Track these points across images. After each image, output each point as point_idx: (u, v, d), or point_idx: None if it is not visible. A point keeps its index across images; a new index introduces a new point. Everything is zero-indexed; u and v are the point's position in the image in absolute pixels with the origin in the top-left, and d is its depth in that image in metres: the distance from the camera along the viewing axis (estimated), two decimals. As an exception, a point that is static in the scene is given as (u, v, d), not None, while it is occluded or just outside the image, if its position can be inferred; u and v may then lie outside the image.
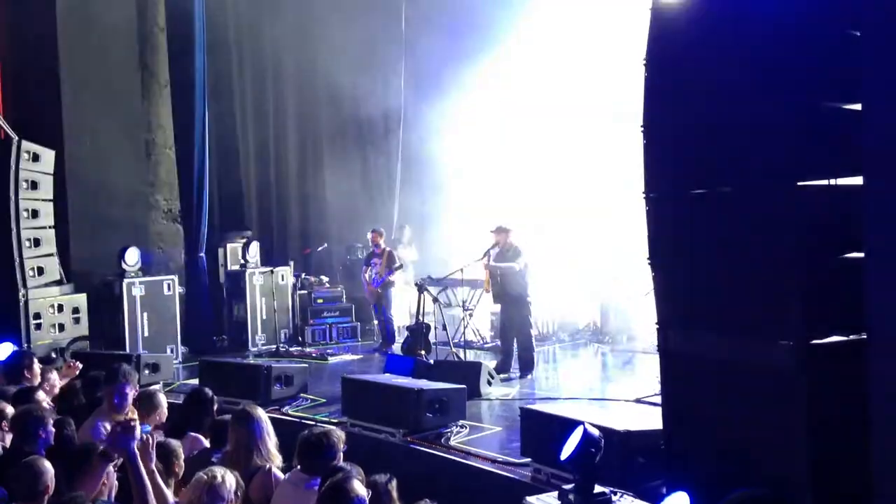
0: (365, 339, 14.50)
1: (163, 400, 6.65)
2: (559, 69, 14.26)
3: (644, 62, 5.48)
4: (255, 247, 14.07)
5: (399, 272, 13.52)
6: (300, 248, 16.49)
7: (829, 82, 4.77)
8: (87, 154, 13.69)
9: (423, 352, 11.26)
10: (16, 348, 9.56)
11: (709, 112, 5.14)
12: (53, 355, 11.48)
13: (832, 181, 4.79)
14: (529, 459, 7.04)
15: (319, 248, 16.19)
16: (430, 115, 14.95)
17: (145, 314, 12.53)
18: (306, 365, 11.05)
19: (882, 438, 4.07)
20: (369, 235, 13.89)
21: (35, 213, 12.04)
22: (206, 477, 4.51)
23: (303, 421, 9.04)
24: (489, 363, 10.91)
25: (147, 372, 10.44)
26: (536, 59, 14.46)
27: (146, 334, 12.50)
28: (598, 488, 5.04)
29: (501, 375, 10.75)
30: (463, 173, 15.01)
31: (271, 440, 5.70)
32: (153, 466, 4.80)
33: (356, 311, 14.72)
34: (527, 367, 11.07)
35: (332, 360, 12.86)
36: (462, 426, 8.48)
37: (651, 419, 6.46)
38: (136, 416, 6.10)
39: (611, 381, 11.06)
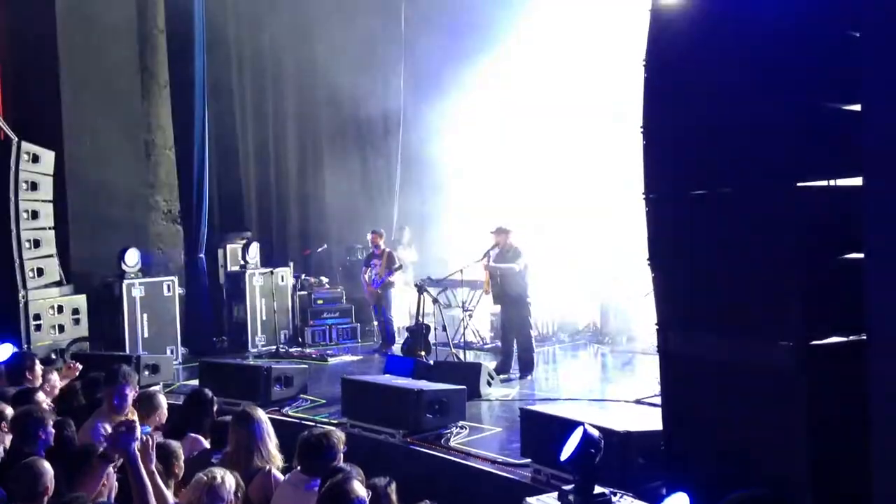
0: (365, 339, 14.50)
1: (163, 401, 6.65)
2: (559, 69, 14.26)
3: (643, 63, 5.47)
4: (254, 248, 14.07)
5: (399, 273, 13.53)
6: (300, 249, 16.50)
7: (828, 83, 4.77)
8: (87, 155, 13.70)
9: (422, 353, 11.26)
10: (15, 349, 9.56)
11: (708, 113, 5.14)
12: (53, 356, 11.48)
13: (832, 182, 4.80)
14: (529, 460, 7.04)
15: (319, 249, 16.20)
16: (429, 115, 14.95)
17: (145, 315, 12.54)
18: (306, 366, 11.04)
19: (882, 439, 4.07)
20: (369, 236, 13.90)
21: (35, 214, 12.05)
22: (205, 478, 4.51)
23: (303, 422, 9.04)
24: (489, 364, 10.91)
25: (147, 373, 10.44)
26: (536, 60, 14.46)
27: (146, 335, 12.51)
28: (597, 489, 5.04)
29: (501, 376, 10.74)
30: (463, 174, 15.01)
31: (271, 441, 5.70)
32: (153, 467, 4.80)
33: (356, 312, 14.72)
34: (526, 367, 11.07)
35: (331, 360, 12.86)
36: (462, 427, 8.48)
37: (651, 420, 6.45)
38: (135, 417, 6.10)
39: (610, 382, 11.06)
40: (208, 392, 6.99)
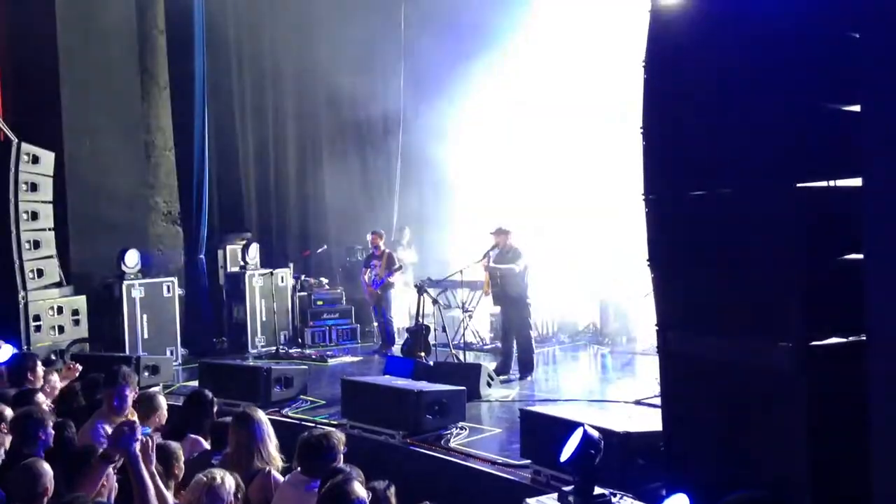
0: (365, 340, 14.50)
1: (162, 402, 6.65)
2: (558, 70, 14.27)
3: (643, 64, 5.47)
4: (254, 248, 14.08)
5: (398, 274, 13.53)
6: (300, 250, 16.50)
7: (828, 83, 4.77)
8: (87, 156, 13.69)
9: (422, 353, 11.26)
10: (14, 350, 9.56)
11: (708, 113, 5.14)
12: (53, 357, 11.48)
13: (832, 182, 4.80)
14: (529, 461, 7.04)
15: (319, 250, 16.20)
16: (429, 116, 14.95)
17: (145, 316, 12.54)
18: (306, 367, 11.05)
19: (882, 440, 4.07)
20: (369, 237, 13.91)
21: (35, 215, 12.05)
22: (205, 479, 4.51)
23: (302, 423, 9.05)
24: (489, 365, 10.91)
25: (147, 374, 10.45)
26: (536, 60, 14.47)
27: (146, 336, 12.51)
28: (597, 490, 5.04)
29: (501, 377, 10.74)
30: (462, 175, 15.02)
31: (271, 442, 5.71)
32: (153, 469, 4.80)
33: (356, 312, 14.72)
34: (526, 368, 11.07)
35: (331, 361, 12.87)
36: (462, 428, 8.48)
37: (651, 421, 6.46)
38: (135, 418, 6.10)
39: (610, 383, 11.06)
40: (208, 393, 6.99)
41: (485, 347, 13.22)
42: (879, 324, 4.09)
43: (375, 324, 14.05)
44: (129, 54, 14.24)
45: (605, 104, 12.84)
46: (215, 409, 6.85)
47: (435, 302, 12.04)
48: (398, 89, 16.30)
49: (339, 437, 5.50)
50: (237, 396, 9.22)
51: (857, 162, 4.23)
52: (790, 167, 4.72)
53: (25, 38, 13.48)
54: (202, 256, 13.89)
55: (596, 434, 5.09)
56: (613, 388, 10.46)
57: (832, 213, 4.72)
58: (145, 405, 6.52)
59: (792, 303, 4.67)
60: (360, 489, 4.45)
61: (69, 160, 13.28)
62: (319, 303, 14.50)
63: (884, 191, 4.07)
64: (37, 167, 12.12)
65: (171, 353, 12.55)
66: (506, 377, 10.93)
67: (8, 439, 5.79)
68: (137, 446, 4.62)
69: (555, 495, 5.32)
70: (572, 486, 5.14)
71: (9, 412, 6.01)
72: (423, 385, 8.70)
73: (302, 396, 10.14)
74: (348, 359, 13.23)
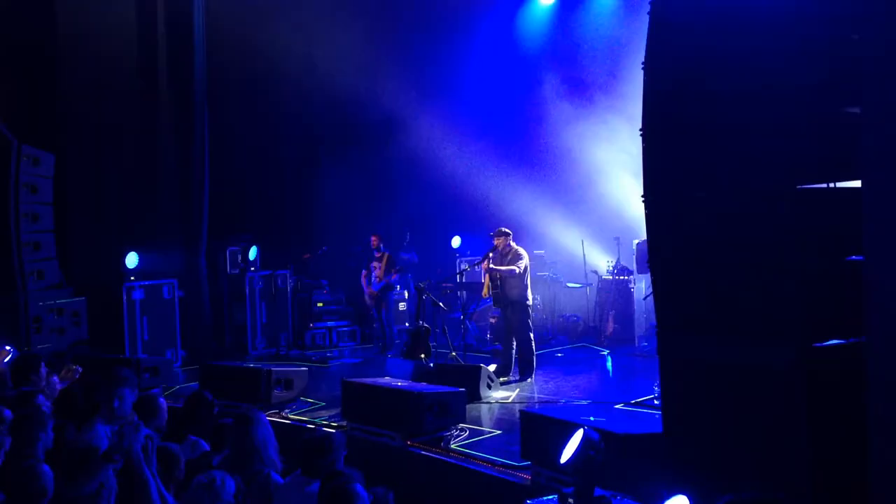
0: (365, 342, 14.51)
1: (163, 404, 6.65)
2: (558, 69, 14.31)
3: (643, 66, 5.48)
4: (254, 250, 14.07)
5: (398, 275, 13.53)
6: (300, 252, 16.49)
7: (828, 85, 4.78)
8: (87, 157, 13.70)
9: (423, 355, 11.26)
10: (12, 351, 9.54)
11: (709, 115, 5.14)
12: (53, 359, 11.47)
13: (832, 184, 4.80)
14: (529, 463, 7.04)
15: (319, 252, 16.20)
16: (430, 117, 14.96)
17: (145, 318, 12.55)
18: (306, 368, 11.04)
19: (881, 441, 4.08)
20: (370, 239, 13.91)
21: (35, 217, 12.05)
22: (206, 480, 4.51)
23: (303, 424, 9.05)
24: (489, 367, 10.91)
25: (147, 376, 10.44)
26: (535, 60, 14.50)
27: (146, 338, 12.52)
28: (597, 491, 5.04)
29: (501, 379, 10.74)
30: (463, 176, 15.03)
31: (272, 444, 5.71)
32: (154, 470, 4.80)
33: (356, 314, 14.72)
34: (526, 370, 11.07)
35: (332, 363, 12.86)
36: (462, 429, 8.49)
37: (651, 422, 6.46)
38: (136, 419, 6.10)
39: (611, 385, 11.06)
40: (208, 395, 6.99)
41: (485, 349, 13.22)
42: (878, 325, 4.10)
43: (375, 325, 14.05)
44: (129, 53, 14.23)
45: (605, 104, 12.87)
46: (216, 410, 6.85)
47: (435, 304, 12.04)
48: (399, 90, 16.29)
49: (340, 438, 5.50)
50: (237, 398, 9.22)
51: (858, 164, 4.24)
52: (791, 169, 4.72)
53: (25, 39, 13.47)
54: (202, 258, 13.87)
55: (596, 435, 5.08)
56: (614, 390, 10.46)
57: (832, 216, 4.73)
58: (146, 407, 6.51)
59: (792, 304, 4.67)
60: (360, 491, 4.45)
61: (69, 161, 13.28)
62: (320, 304, 14.51)
63: (883, 194, 4.08)
64: (37, 169, 12.12)
65: (171, 355, 12.56)
66: (506, 379, 10.94)
67: (8, 441, 5.79)
68: (139, 448, 4.62)
69: (555, 497, 5.32)
70: (572, 488, 5.13)
71: (9, 414, 6.01)
72: (424, 387, 8.71)
73: (302, 398, 10.15)
74: (348, 360, 13.23)
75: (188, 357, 13.03)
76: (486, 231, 11.88)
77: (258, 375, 9.92)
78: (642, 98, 5.48)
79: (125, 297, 12.37)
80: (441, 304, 12.21)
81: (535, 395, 10.34)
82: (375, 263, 13.62)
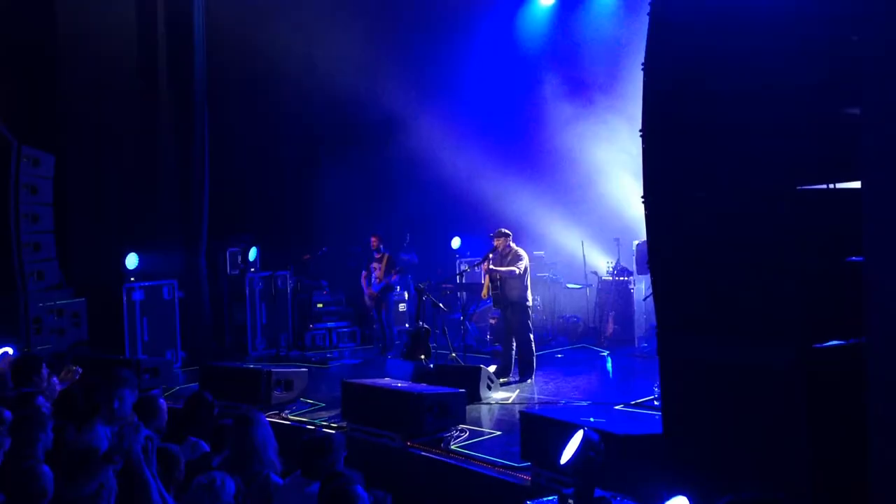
0: (365, 343, 14.51)
1: (163, 405, 6.64)
2: (558, 69, 14.31)
3: (643, 66, 5.48)
4: (254, 251, 14.07)
5: (398, 276, 13.53)
6: (300, 253, 16.49)
7: (828, 85, 4.78)
8: (87, 157, 13.69)
9: (422, 356, 11.25)
10: (12, 352, 9.54)
11: (709, 116, 5.14)
12: (53, 360, 11.47)
13: (832, 185, 4.80)
14: (529, 464, 7.03)
15: (319, 253, 16.20)
16: (430, 117, 14.96)
17: (145, 319, 12.55)
18: (306, 369, 11.04)
19: (881, 441, 4.08)
20: (370, 240, 13.91)
21: (35, 218, 12.05)
22: (206, 481, 4.51)
23: (303, 425, 9.05)
24: (489, 368, 10.90)
25: (147, 377, 10.44)
26: (535, 61, 14.51)
27: (146, 339, 12.52)
28: (597, 492, 5.04)
29: (501, 379, 10.74)
30: (463, 176, 15.03)
31: (272, 445, 5.70)
32: (154, 471, 4.80)
33: (356, 315, 14.72)
34: (526, 371, 11.07)
35: (331, 364, 12.86)
36: (462, 430, 8.49)
37: (651, 423, 6.46)
38: (136, 420, 6.09)
39: (610, 386, 11.06)
40: (208, 396, 6.99)
41: (485, 350, 13.21)
42: (879, 325, 4.10)
43: (375, 326, 14.05)
44: (129, 53, 14.23)
45: (606, 104, 12.87)
46: (216, 411, 6.84)
47: (435, 304, 12.04)
48: (399, 90, 16.30)
49: (340, 439, 5.50)
50: (237, 399, 9.22)
51: (858, 164, 4.24)
52: (791, 169, 4.72)
53: (25, 39, 13.46)
54: (202, 259, 13.87)
55: (596, 436, 5.08)
56: (614, 391, 10.45)
57: (832, 217, 4.73)
58: (146, 408, 6.50)
59: (792, 305, 4.67)
60: (360, 492, 4.45)
61: (70, 162, 13.28)
62: (320, 305, 14.51)
63: (882, 194, 4.08)
64: (37, 170, 12.12)
65: (171, 356, 12.55)
66: (506, 380, 10.93)
67: (7, 442, 5.78)
68: (139, 449, 4.61)
69: (555, 498, 5.32)
70: (572, 489, 5.13)
71: (8, 415, 6.01)
72: (424, 387, 8.71)
73: (302, 399, 10.14)
74: (348, 361, 13.23)
75: (188, 358, 13.03)
76: (485, 232, 11.87)
77: (258, 376, 9.92)
78: (642, 98, 5.48)
79: (125, 298, 12.37)
80: (441, 304, 12.21)
81: (535, 396, 10.34)
82: (375, 264, 13.61)
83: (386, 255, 13.56)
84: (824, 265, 4.70)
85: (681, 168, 5.36)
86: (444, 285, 13.61)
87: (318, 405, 10.04)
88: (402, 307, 14.77)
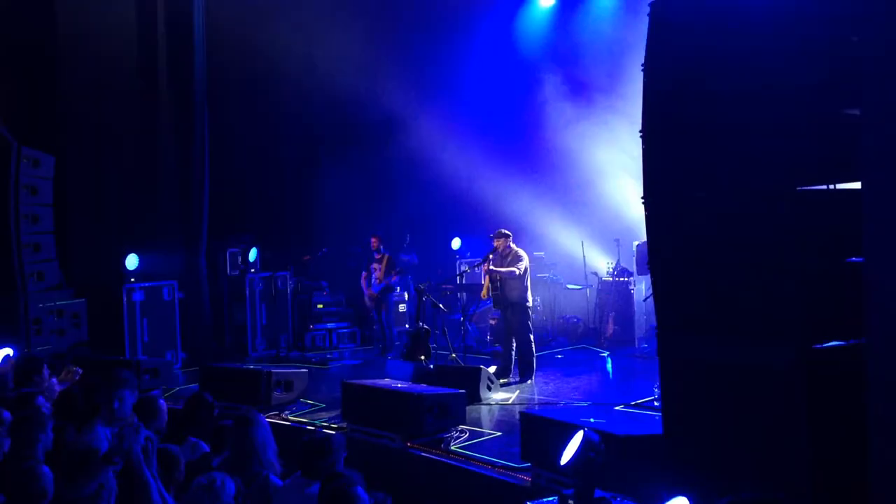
0: (365, 344, 14.51)
1: (163, 405, 6.64)
2: (557, 69, 14.31)
3: (643, 66, 5.48)
4: (254, 252, 14.07)
5: (398, 277, 13.53)
6: (300, 253, 16.49)
7: (828, 86, 4.78)
8: (87, 158, 13.68)
9: (423, 357, 11.26)
10: (12, 353, 9.53)
11: (709, 116, 5.14)
12: (53, 361, 11.46)
13: (832, 186, 4.80)
14: (529, 464, 7.03)
15: (319, 254, 16.20)
16: (430, 117, 14.97)
17: (145, 319, 12.55)
18: (306, 370, 11.03)
19: (881, 441, 4.07)
20: (370, 240, 13.90)
21: (35, 219, 12.04)
22: (206, 482, 4.51)
23: (303, 426, 9.05)
24: (489, 368, 10.90)
25: (147, 377, 10.43)
26: (535, 61, 14.50)
27: (146, 339, 12.51)
28: (597, 493, 5.03)
29: (501, 380, 10.74)
30: (463, 177, 15.03)
31: (271, 446, 5.70)
32: (154, 472, 4.80)
33: (356, 316, 14.71)
34: (526, 371, 11.06)
35: (331, 365, 12.86)
36: (462, 431, 8.48)
37: (651, 424, 6.45)
38: (136, 421, 6.09)
39: (611, 386, 11.05)
40: (208, 396, 6.99)
41: (485, 351, 13.21)
42: (879, 326, 4.10)
43: (375, 327, 14.04)
44: (129, 54, 14.23)
45: (605, 104, 12.87)
46: (216, 412, 6.84)
47: (435, 305, 12.04)
48: (399, 90, 16.30)
49: (340, 440, 5.50)
50: (237, 400, 9.21)
51: (858, 164, 4.23)
52: (791, 169, 4.72)
53: (25, 39, 13.46)
54: (202, 259, 13.87)
55: (596, 437, 5.08)
56: (614, 391, 10.45)
57: (832, 217, 4.73)
58: (146, 409, 6.50)
59: (792, 305, 4.67)
60: (361, 493, 4.44)
61: (70, 163, 13.27)
62: (320, 306, 14.51)
63: (882, 195, 4.08)
64: (37, 171, 12.12)
65: (171, 357, 12.55)
66: (506, 380, 10.93)
67: (7, 442, 5.78)
68: (139, 449, 4.61)
69: (555, 498, 5.31)
70: (572, 490, 5.13)
71: (8, 415, 6.00)
72: (424, 388, 8.71)
73: (302, 400, 10.14)
74: (348, 362, 13.23)
75: (188, 359, 13.02)
76: (486, 232, 11.88)
77: (258, 377, 9.91)
78: (642, 98, 5.48)
79: (125, 299, 12.37)
80: (441, 305, 12.21)
81: (535, 397, 10.33)
82: (375, 265, 13.61)
83: (386, 256, 13.56)
84: (824, 265, 4.70)
85: (681, 168, 5.36)
86: (444, 286, 13.61)
87: (318, 406, 10.03)
88: (402, 308, 14.77)
